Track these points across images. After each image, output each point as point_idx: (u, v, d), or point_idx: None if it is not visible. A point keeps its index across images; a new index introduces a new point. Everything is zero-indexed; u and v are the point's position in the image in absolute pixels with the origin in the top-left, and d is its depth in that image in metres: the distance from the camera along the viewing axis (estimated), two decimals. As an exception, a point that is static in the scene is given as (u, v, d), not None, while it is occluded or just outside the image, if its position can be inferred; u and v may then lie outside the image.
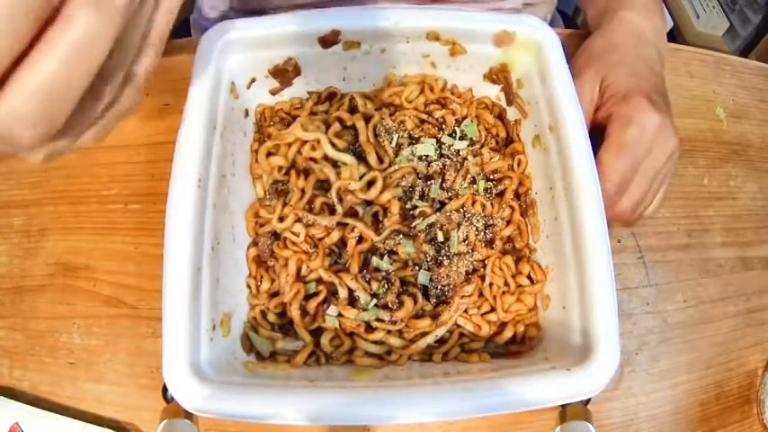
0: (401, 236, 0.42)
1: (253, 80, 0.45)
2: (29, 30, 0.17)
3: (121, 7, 0.18)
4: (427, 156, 0.45)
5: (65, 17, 0.17)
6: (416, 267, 0.42)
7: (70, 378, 0.44)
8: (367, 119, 0.46)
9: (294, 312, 0.40)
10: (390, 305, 0.40)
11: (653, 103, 0.42)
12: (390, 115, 0.46)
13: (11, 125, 0.18)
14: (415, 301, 0.41)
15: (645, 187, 0.42)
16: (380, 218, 0.43)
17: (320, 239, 0.42)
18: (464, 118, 0.47)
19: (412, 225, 0.43)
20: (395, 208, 0.42)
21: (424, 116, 0.47)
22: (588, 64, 0.46)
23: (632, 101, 0.42)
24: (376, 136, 0.45)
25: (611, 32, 0.49)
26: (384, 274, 0.41)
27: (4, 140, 0.18)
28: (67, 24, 0.17)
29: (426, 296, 0.42)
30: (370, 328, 0.40)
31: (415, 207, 0.43)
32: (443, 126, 0.47)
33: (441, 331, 0.41)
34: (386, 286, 0.41)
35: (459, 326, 0.41)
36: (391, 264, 0.42)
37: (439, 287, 0.41)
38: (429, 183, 0.44)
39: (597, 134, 0.43)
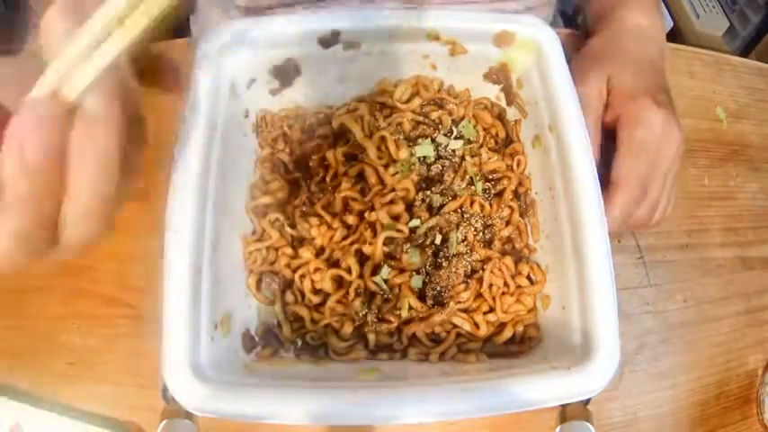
0: (408, 244, 0.42)
1: (253, 80, 0.45)
2: None
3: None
4: (425, 157, 0.45)
5: None
6: (414, 272, 0.42)
7: (70, 378, 0.44)
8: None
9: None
10: (370, 323, 0.41)
11: (657, 101, 0.43)
12: (386, 117, 0.46)
13: None
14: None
15: (660, 187, 0.42)
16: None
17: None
18: (461, 119, 0.47)
19: (412, 228, 0.42)
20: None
21: (420, 118, 0.47)
22: (593, 64, 0.46)
23: (638, 101, 0.42)
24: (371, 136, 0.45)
25: (611, 32, 0.49)
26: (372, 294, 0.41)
27: None
28: None
29: (423, 297, 0.42)
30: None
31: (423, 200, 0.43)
32: (439, 127, 0.47)
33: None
34: (366, 309, 0.41)
35: (455, 326, 0.41)
36: (389, 273, 0.41)
37: (437, 288, 0.41)
38: (431, 187, 0.44)
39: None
